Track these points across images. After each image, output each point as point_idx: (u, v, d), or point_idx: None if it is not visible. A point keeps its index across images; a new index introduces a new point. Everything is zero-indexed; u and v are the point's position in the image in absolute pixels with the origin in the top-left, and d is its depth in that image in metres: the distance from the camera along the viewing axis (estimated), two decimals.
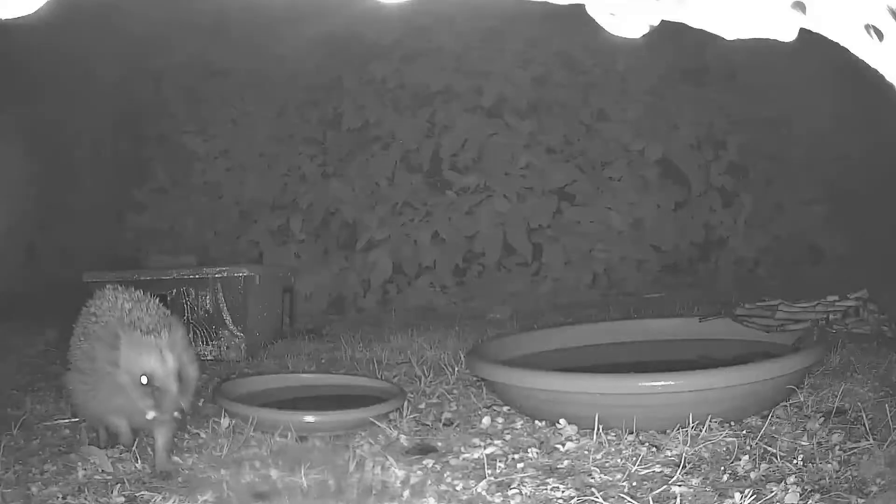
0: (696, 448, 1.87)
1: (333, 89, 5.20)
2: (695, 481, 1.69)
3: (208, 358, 3.34)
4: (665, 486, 1.66)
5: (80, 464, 1.98)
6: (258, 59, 5.21)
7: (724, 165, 5.12)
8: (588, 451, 1.90)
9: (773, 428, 1.99)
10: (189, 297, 3.37)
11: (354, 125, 5.07)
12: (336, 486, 1.78)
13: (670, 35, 1.29)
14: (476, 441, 2.05)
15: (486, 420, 2.23)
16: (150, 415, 1.82)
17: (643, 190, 4.94)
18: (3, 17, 0.95)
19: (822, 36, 0.98)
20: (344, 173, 4.99)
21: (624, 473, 1.75)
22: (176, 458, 2.01)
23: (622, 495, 1.63)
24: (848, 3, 0.97)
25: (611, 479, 1.74)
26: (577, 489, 1.69)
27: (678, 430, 1.97)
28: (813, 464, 1.73)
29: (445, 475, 1.82)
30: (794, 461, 1.75)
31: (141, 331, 1.83)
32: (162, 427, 1.92)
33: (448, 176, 4.92)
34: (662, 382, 2.03)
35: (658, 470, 1.77)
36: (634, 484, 1.70)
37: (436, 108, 5.02)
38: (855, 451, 1.78)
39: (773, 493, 1.58)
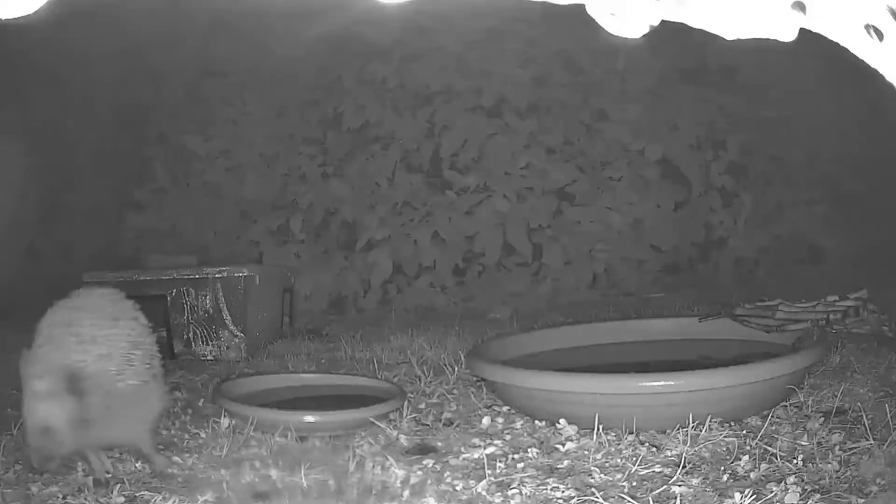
0: (696, 448, 1.87)
1: (333, 89, 5.20)
2: (695, 481, 1.69)
3: (208, 358, 3.34)
4: (665, 486, 1.66)
5: (80, 464, 1.98)
6: (258, 59, 5.21)
7: (724, 165, 5.11)
8: (588, 451, 1.90)
9: (773, 428, 1.99)
10: (189, 297, 3.37)
11: (354, 125, 5.06)
12: (336, 486, 1.78)
13: (670, 35, 1.29)
14: (476, 441, 2.05)
15: (486, 420, 2.23)
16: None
17: (643, 190, 4.94)
18: (3, 17, 0.95)
19: (822, 36, 0.98)
20: (344, 173, 4.99)
21: (624, 473, 1.75)
22: (176, 459, 2.02)
23: (622, 495, 1.63)
24: (848, 3, 0.97)
25: (611, 479, 1.74)
26: (577, 489, 1.69)
27: (678, 430, 1.97)
28: (813, 464, 1.73)
29: (445, 475, 1.82)
30: (794, 461, 1.75)
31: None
32: (137, 441, 1.92)
33: (448, 176, 4.92)
34: (662, 382, 2.03)
35: (658, 470, 1.77)
36: (634, 484, 1.70)
37: (436, 108, 5.02)
38: (855, 451, 1.79)
39: (773, 493, 1.58)
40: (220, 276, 3.37)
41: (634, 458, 1.82)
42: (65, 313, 1.86)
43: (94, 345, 1.81)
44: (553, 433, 2.07)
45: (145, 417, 1.93)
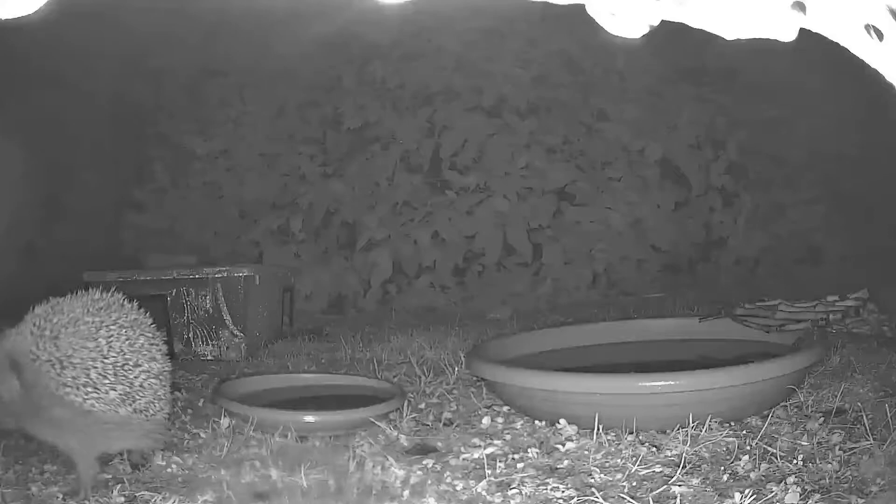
0: (696, 448, 1.87)
1: (333, 89, 5.20)
2: (695, 481, 1.69)
3: (208, 358, 3.34)
4: (665, 486, 1.66)
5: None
6: (258, 59, 5.21)
7: (724, 165, 5.12)
8: (588, 451, 1.90)
9: (773, 428, 1.99)
10: (189, 297, 3.37)
11: (354, 125, 5.06)
12: (336, 486, 1.78)
13: (670, 35, 1.29)
14: (476, 441, 2.05)
15: (486, 420, 2.23)
16: None
17: (643, 190, 4.94)
18: (3, 17, 0.95)
19: (822, 36, 0.98)
20: (344, 173, 4.99)
21: (624, 473, 1.75)
22: (176, 459, 2.01)
23: (622, 495, 1.63)
24: (848, 3, 0.97)
25: (611, 479, 1.74)
26: (577, 489, 1.69)
27: (678, 430, 1.97)
28: (813, 464, 1.73)
29: (445, 475, 1.82)
30: (794, 461, 1.75)
31: None
32: (74, 460, 1.86)
33: (448, 176, 4.92)
34: (662, 382, 2.03)
35: (658, 470, 1.77)
36: (634, 484, 1.70)
37: (436, 108, 5.02)
38: (855, 451, 1.78)
39: (773, 493, 1.58)
40: (220, 276, 3.37)
41: (634, 458, 1.82)
42: (41, 310, 1.90)
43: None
44: (553, 433, 2.07)
45: (89, 444, 1.83)
